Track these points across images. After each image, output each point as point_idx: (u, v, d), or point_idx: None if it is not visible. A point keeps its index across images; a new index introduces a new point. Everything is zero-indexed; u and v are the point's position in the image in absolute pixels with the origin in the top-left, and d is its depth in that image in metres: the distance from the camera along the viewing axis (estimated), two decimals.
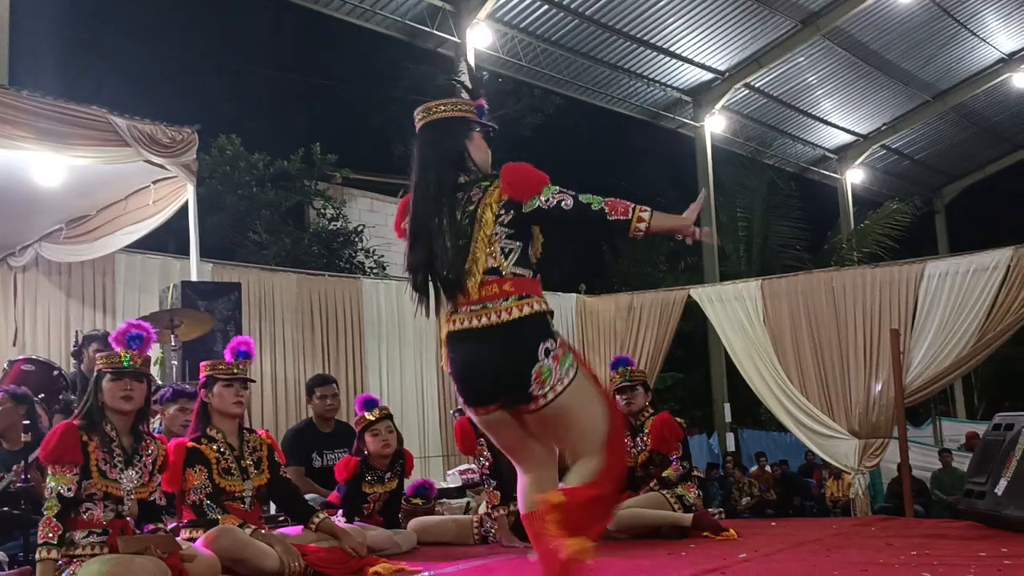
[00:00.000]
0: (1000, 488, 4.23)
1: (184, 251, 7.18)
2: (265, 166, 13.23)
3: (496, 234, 2.98)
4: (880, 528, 5.03)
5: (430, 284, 3.04)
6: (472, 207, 3.01)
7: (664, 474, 5.07)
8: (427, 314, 3.10)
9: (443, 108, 3.23)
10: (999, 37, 16.61)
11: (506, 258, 2.97)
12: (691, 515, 4.85)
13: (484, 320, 2.93)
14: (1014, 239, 10.26)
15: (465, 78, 3.44)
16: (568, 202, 2.95)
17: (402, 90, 17.50)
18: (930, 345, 9.08)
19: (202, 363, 4.40)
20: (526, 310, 2.92)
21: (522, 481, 3.04)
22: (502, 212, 2.98)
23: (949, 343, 9.02)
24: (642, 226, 2.96)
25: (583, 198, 2.97)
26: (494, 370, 2.92)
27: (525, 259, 3.01)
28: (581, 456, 2.93)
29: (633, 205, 2.97)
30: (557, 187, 2.98)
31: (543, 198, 2.96)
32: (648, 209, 2.97)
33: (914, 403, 9.87)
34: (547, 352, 2.89)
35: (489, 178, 3.07)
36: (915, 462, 9.99)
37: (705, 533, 4.71)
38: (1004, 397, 22.92)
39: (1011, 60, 17.20)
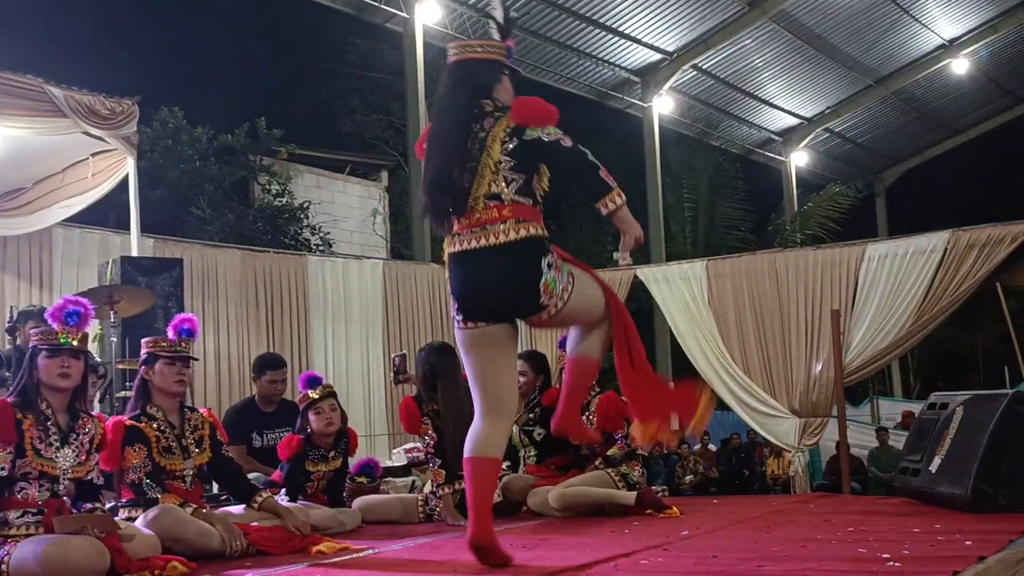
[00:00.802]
0: (934, 466, 4.33)
1: (124, 226, 7.04)
2: (208, 140, 13.02)
3: (500, 162, 3.15)
4: (818, 505, 5.13)
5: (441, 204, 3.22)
6: (483, 135, 3.19)
7: (609, 453, 5.10)
8: (441, 232, 3.30)
9: (478, 49, 3.36)
10: (940, 23, 16.90)
11: (507, 186, 3.16)
12: (635, 493, 4.89)
13: (483, 241, 3.13)
14: (951, 222, 10.49)
15: (498, 14, 3.49)
16: (568, 142, 3.15)
17: (349, 65, 17.32)
18: (869, 326, 9.26)
19: (143, 340, 4.32)
20: (522, 232, 3.14)
21: (477, 426, 3.28)
22: (507, 139, 3.15)
23: (887, 324, 9.21)
24: (615, 203, 3.16)
25: (582, 146, 3.16)
26: (499, 288, 3.15)
27: (528, 190, 3.20)
28: (592, 327, 3.38)
29: (616, 185, 3.18)
30: (561, 130, 3.16)
31: (546, 131, 3.15)
32: (623, 197, 3.21)
33: (853, 383, 10.08)
34: (549, 265, 3.15)
35: (504, 110, 3.24)
36: (853, 440, 10.20)
37: (648, 511, 4.76)
38: (939, 377, 23.53)
39: (951, 46, 17.51)
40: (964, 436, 4.21)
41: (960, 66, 17.89)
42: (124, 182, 6.54)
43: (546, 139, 3.14)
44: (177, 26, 18.18)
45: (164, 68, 17.07)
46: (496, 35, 3.46)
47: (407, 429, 5.17)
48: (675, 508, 4.80)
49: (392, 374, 5.75)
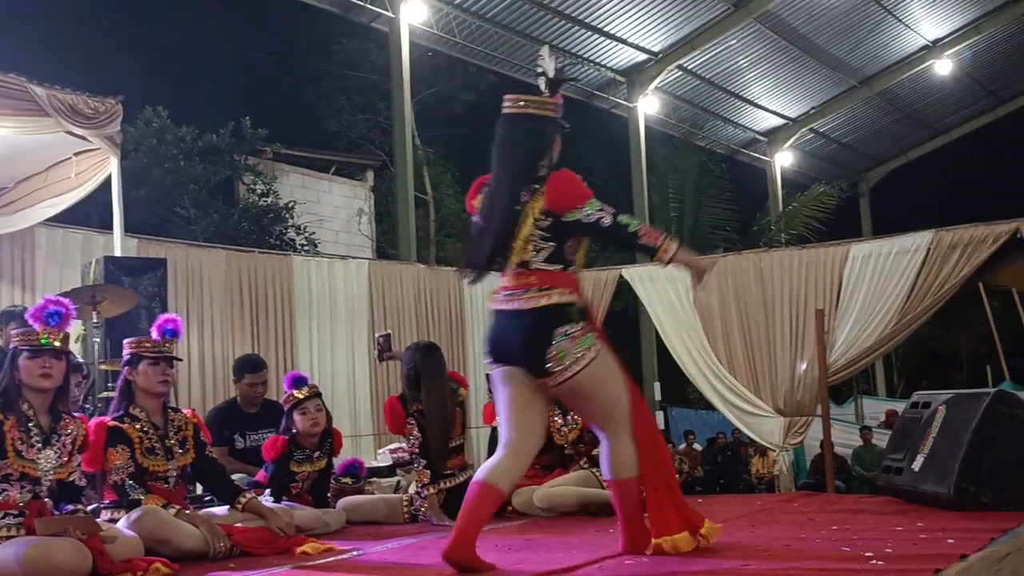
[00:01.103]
0: (917, 464, 4.36)
1: (107, 226, 7.00)
2: (193, 139, 12.96)
3: (532, 235, 3.31)
4: (803, 504, 5.15)
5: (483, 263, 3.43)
6: (518, 208, 3.33)
7: (594, 452, 5.10)
8: (473, 284, 3.56)
9: (534, 105, 3.47)
10: (924, 24, 16.99)
11: (537, 254, 3.31)
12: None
13: (511, 305, 3.32)
14: (934, 222, 10.54)
15: (549, 69, 3.53)
16: (607, 220, 3.26)
17: (335, 65, 17.27)
18: (853, 325, 9.31)
19: (125, 340, 4.30)
20: (543, 301, 3.27)
21: (498, 455, 3.38)
22: (541, 218, 3.30)
23: (871, 323, 9.25)
24: (666, 256, 3.32)
25: (621, 218, 3.29)
26: (515, 347, 3.32)
27: (559, 256, 3.33)
28: (606, 431, 3.37)
29: (664, 235, 3.33)
30: (599, 203, 3.29)
31: (585, 212, 3.27)
32: (676, 242, 3.35)
33: (837, 382, 10.13)
34: (565, 334, 3.25)
35: (540, 181, 3.34)
36: (837, 439, 10.24)
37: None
38: (922, 376, 23.66)
39: (935, 47, 17.61)
40: (947, 435, 4.24)
41: (943, 67, 17.99)
42: (107, 182, 6.50)
43: (586, 220, 3.28)
44: (162, 25, 18.11)
45: (148, 67, 16.99)
46: (544, 89, 3.54)
47: (392, 429, 5.17)
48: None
49: (376, 352, 5.74)
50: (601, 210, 3.27)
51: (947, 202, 22.42)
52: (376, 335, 5.87)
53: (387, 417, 5.10)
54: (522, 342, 3.28)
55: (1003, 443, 4.02)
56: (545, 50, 3.64)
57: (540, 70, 3.55)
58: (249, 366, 5.81)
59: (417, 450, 4.96)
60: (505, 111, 3.49)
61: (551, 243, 3.31)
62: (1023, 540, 3.46)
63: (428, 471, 4.91)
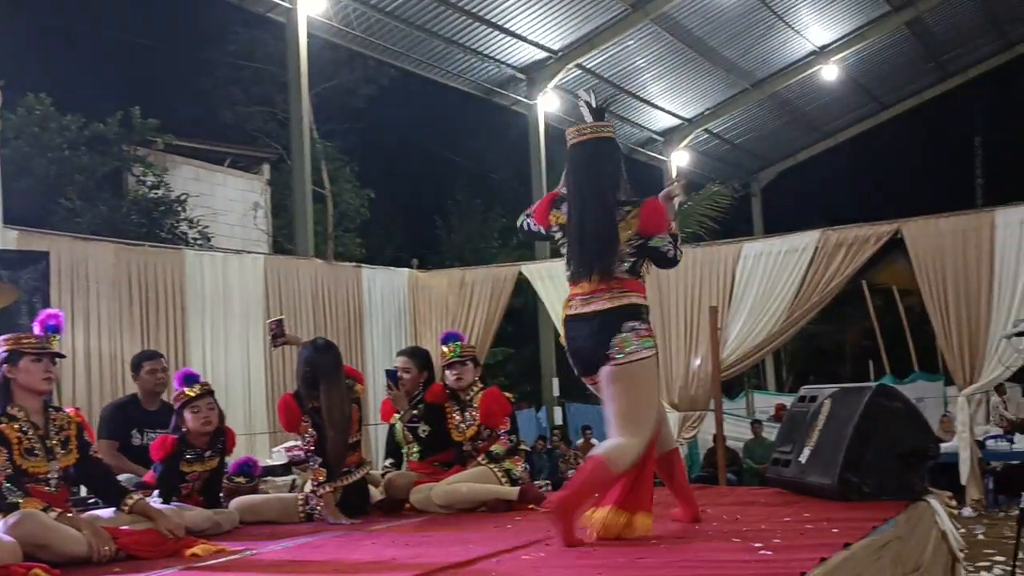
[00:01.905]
0: (804, 457, 4.49)
1: None
2: (79, 128, 12.49)
3: (623, 251, 3.72)
4: (696, 496, 5.25)
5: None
6: (614, 226, 3.73)
7: (492, 448, 5.11)
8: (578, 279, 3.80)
9: (603, 130, 3.97)
10: (812, 30, 17.54)
11: (621, 266, 3.73)
12: (518, 488, 4.92)
13: (589, 308, 3.71)
14: (822, 222, 10.92)
15: (592, 101, 4.02)
16: (671, 252, 3.82)
17: (230, 55, 16.89)
18: (745, 322, 9.56)
19: (3, 336, 4.10)
20: (623, 301, 3.69)
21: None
22: (634, 238, 3.73)
23: (762, 320, 9.53)
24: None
25: (678, 254, 3.86)
26: (587, 344, 3.71)
27: (635, 269, 3.78)
28: (622, 430, 3.61)
29: (677, 236, 3.88)
30: (669, 235, 3.80)
31: (661, 242, 3.78)
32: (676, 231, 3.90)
33: (729, 377, 10.39)
34: (632, 328, 3.66)
35: (631, 204, 3.77)
36: (729, 433, 10.52)
37: (531, 506, 4.79)
38: (810, 371, 24.49)
39: (822, 53, 18.20)
40: (832, 428, 4.38)
41: (830, 72, 18.61)
42: None
43: (661, 249, 3.79)
44: (45, 8, 17.38)
45: (30, 52, 16.27)
46: (590, 117, 3.99)
47: (286, 427, 5.07)
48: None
49: (270, 338, 5.61)
50: (670, 243, 3.80)
51: (833, 203, 23.28)
52: (268, 321, 5.73)
53: (281, 415, 5.00)
54: (594, 335, 3.67)
55: (884, 435, 4.17)
56: (583, 92, 4.10)
57: (584, 101, 4.02)
58: (147, 354, 5.74)
59: (313, 448, 4.88)
60: (576, 140, 3.95)
61: (634, 258, 3.75)
62: (903, 529, 3.61)
63: (324, 469, 4.83)
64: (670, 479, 4.06)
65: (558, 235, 3.90)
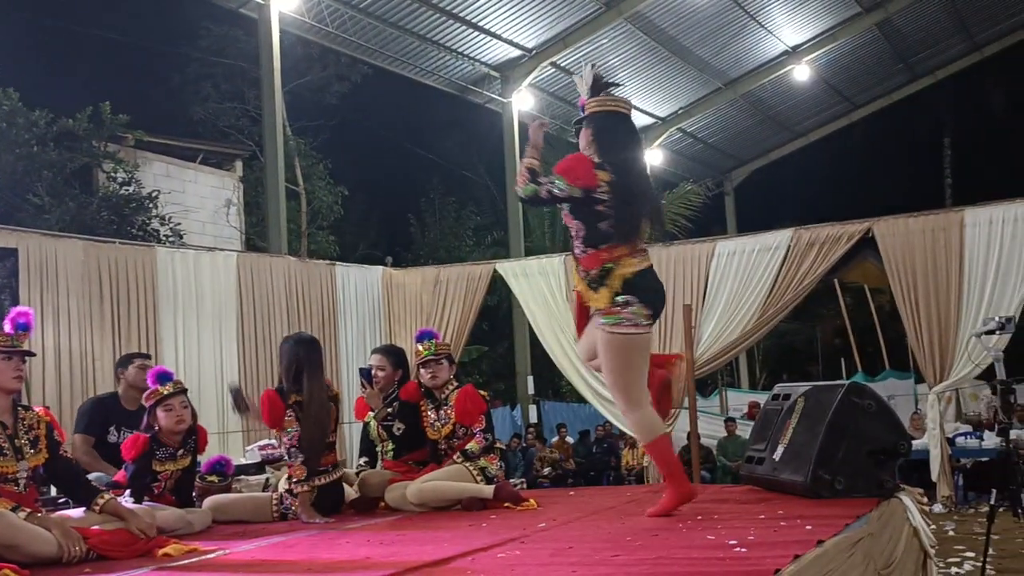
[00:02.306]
0: (777, 454, 4.51)
1: None
2: (47, 124, 12.34)
3: None
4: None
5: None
6: None
7: (467, 447, 5.10)
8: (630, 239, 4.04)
9: (623, 104, 4.35)
10: (784, 31, 17.67)
11: None
12: (492, 486, 4.91)
13: (649, 260, 4.11)
14: (794, 221, 10.99)
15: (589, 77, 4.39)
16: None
17: (202, 51, 16.75)
18: (718, 320, 9.61)
19: None
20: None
21: (648, 412, 4.12)
22: None
23: (735, 318, 9.57)
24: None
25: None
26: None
27: None
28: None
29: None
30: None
31: None
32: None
33: (703, 375, 10.44)
34: None
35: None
36: (703, 430, 10.57)
37: (506, 504, 4.78)
38: (783, 369, 24.68)
39: (794, 53, 18.34)
40: (805, 425, 4.40)
41: (802, 72, 18.76)
42: None
43: None
44: (12, 2, 17.13)
45: None
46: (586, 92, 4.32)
47: (269, 423, 5.01)
48: (532, 500, 4.83)
49: (232, 405, 5.40)
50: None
51: (806, 202, 23.47)
52: (228, 388, 5.54)
53: (264, 411, 4.95)
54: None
55: (856, 432, 4.20)
56: (587, 67, 4.41)
57: (591, 75, 4.38)
58: (138, 353, 5.85)
59: (296, 443, 4.84)
60: (614, 108, 4.26)
61: None
62: (875, 525, 3.64)
63: (305, 467, 4.80)
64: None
65: (604, 194, 3.95)
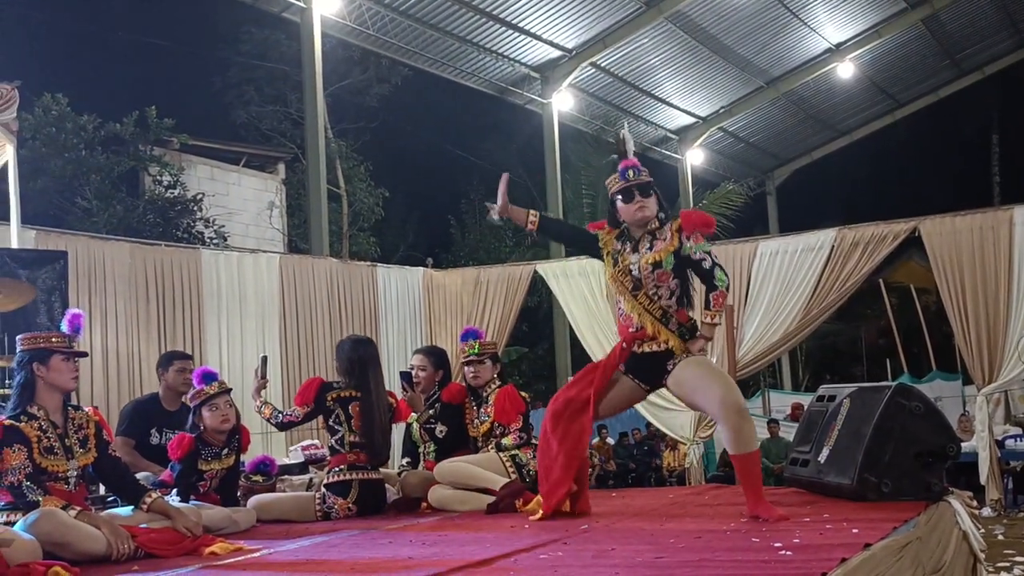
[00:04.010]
0: (823, 456, 4.46)
1: (3, 217, 6.71)
2: (95, 128, 12.55)
3: None
4: (712, 496, 5.23)
5: None
6: None
7: (502, 440, 5.10)
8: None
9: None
10: (827, 28, 17.48)
11: None
12: (504, 480, 4.83)
13: None
14: (837, 221, 10.86)
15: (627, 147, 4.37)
16: None
17: (244, 55, 16.93)
18: (761, 320, 9.52)
19: (22, 335, 4.12)
20: None
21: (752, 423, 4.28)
22: None
23: (778, 319, 9.48)
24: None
25: None
26: None
27: None
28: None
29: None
30: None
31: None
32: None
33: (745, 376, 10.34)
34: None
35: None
36: None
37: (517, 501, 4.67)
38: (826, 370, 24.39)
39: (837, 51, 18.13)
40: (850, 427, 4.35)
41: (846, 70, 18.54)
42: (3, 171, 6.23)
43: None
44: (61, 8, 17.46)
45: (46, 53, 16.38)
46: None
47: (298, 399, 5.10)
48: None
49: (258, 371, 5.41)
50: None
51: (849, 201, 23.19)
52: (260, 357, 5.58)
53: (302, 389, 5.10)
54: None
55: (903, 435, 4.14)
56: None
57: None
58: (178, 354, 5.87)
59: (296, 418, 5.02)
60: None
61: None
62: (923, 529, 3.58)
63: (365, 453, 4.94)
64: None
65: None
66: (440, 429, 5.32)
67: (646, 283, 4.18)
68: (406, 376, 5.44)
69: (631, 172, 4.26)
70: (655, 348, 4.22)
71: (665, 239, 4.18)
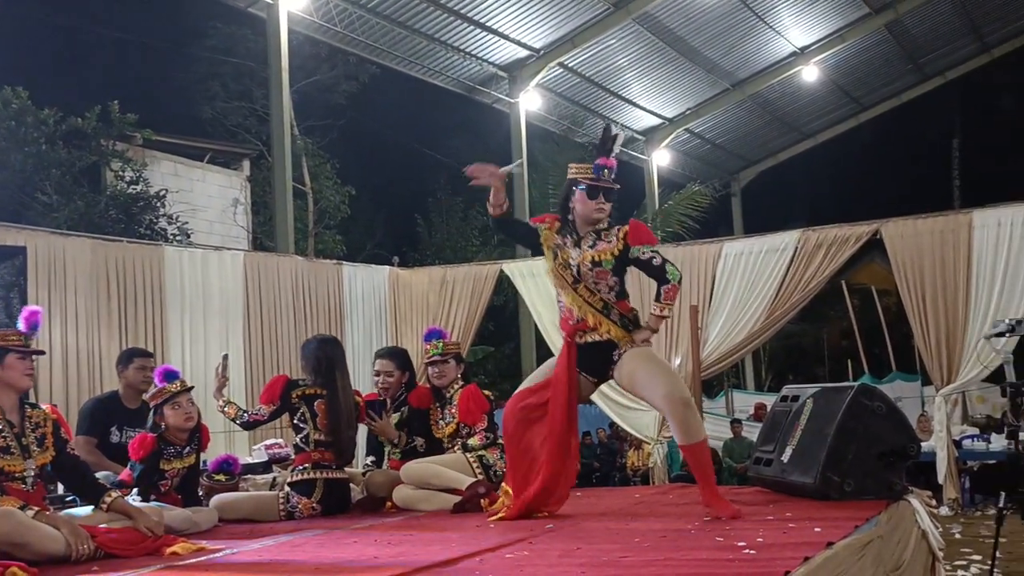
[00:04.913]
0: (786, 456, 4.50)
1: None
2: (56, 122, 12.36)
3: None
4: (677, 495, 5.27)
5: None
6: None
7: (468, 441, 5.09)
8: None
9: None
10: (792, 32, 17.63)
11: None
12: (469, 479, 4.83)
13: None
14: (801, 223, 10.96)
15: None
16: None
17: (209, 50, 16.76)
18: (725, 321, 9.58)
19: None
20: None
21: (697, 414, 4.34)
22: None
23: (742, 319, 9.55)
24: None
25: None
26: None
27: None
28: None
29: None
30: None
31: None
32: None
33: (709, 376, 10.42)
34: None
35: None
36: (708, 432, 10.40)
37: (482, 500, 4.66)
38: (790, 370, 24.61)
39: (802, 54, 18.29)
40: (813, 427, 4.39)
41: (810, 73, 18.71)
42: None
43: None
44: (21, 0, 17.16)
45: (6, 45, 16.09)
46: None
47: (263, 397, 5.06)
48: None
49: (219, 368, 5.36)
50: None
51: (813, 203, 23.39)
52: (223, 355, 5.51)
53: (267, 387, 5.06)
54: None
55: (865, 435, 4.19)
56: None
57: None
58: (138, 351, 5.79)
59: (260, 417, 4.98)
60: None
61: None
62: (885, 528, 3.63)
63: (330, 452, 4.93)
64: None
65: None
66: (421, 444, 5.25)
67: (585, 278, 4.21)
68: (374, 406, 5.38)
69: (606, 171, 4.28)
70: (596, 338, 4.24)
71: (610, 242, 4.21)
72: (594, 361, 4.28)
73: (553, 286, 4.39)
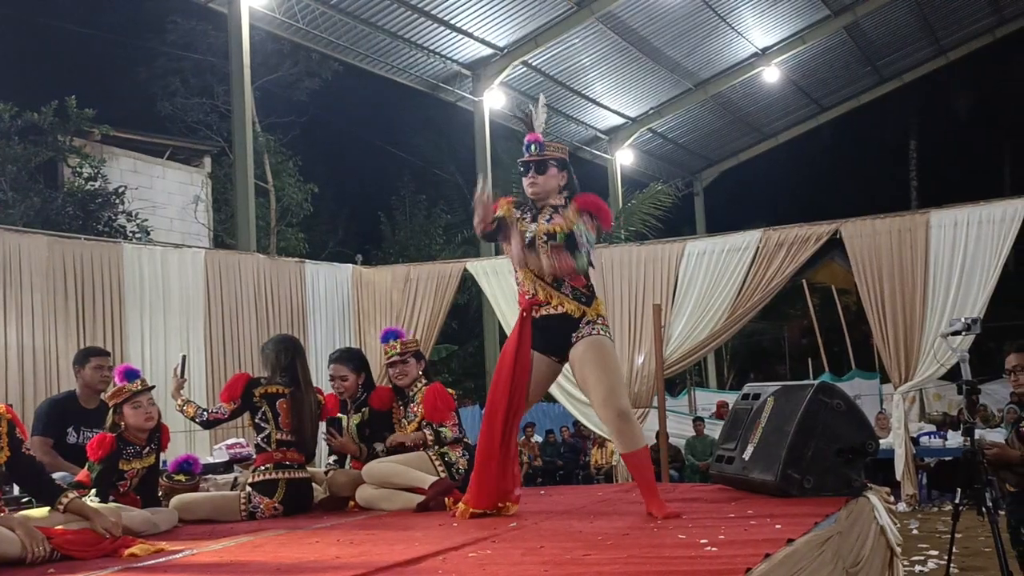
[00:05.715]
0: (747, 454, 4.53)
1: None
2: (12, 117, 12.16)
3: None
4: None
5: None
6: None
7: (440, 431, 5.05)
8: None
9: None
10: (754, 33, 17.79)
11: None
12: (432, 478, 4.82)
13: None
14: (763, 222, 11.07)
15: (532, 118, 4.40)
16: None
17: (170, 45, 16.58)
18: (688, 319, 9.65)
19: None
20: None
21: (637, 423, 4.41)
22: None
23: (705, 318, 9.61)
24: None
25: None
26: None
27: None
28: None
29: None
30: None
31: None
32: None
33: (672, 374, 10.48)
34: None
35: None
36: (671, 430, 10.61)
37: (447, 498, 4.66)
38: (751, 368, 24.85)
39: (763, 55, 18.46)
40: (774, 424, 4.43)
41: (771, 74, 18.89)
42: None
43: None
44: None
45: None
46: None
47: (224, 396, 5.01)
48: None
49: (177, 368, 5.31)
50: None
51: (774, 203, 23.65)
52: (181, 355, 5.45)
53: (228, 385, 5.00)
54: None
55: (824, 432, 4.23)
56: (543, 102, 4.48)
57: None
58: (95, 350, 5.67)
59: (221, 415, 4.93)
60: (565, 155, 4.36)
61: None
62: (844, 524, 3.67)
63: (303, 454, 4.92)
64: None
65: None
66: (382, 449, 5.22)
67: (539, 251, 4.19)
68: (334, 423, 5.35)
69: (534, 147, 4.29)
70: (551, 311, 4.22)
71: (567, 217, 4.19)
72: (553, 337, 4.24)
73: (512, 263, 4.34)
